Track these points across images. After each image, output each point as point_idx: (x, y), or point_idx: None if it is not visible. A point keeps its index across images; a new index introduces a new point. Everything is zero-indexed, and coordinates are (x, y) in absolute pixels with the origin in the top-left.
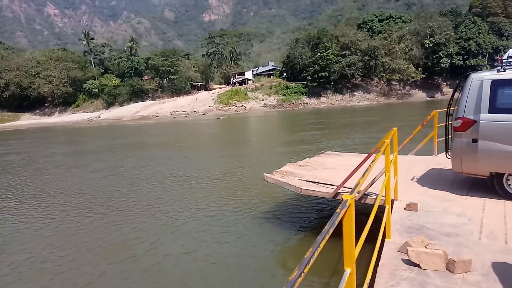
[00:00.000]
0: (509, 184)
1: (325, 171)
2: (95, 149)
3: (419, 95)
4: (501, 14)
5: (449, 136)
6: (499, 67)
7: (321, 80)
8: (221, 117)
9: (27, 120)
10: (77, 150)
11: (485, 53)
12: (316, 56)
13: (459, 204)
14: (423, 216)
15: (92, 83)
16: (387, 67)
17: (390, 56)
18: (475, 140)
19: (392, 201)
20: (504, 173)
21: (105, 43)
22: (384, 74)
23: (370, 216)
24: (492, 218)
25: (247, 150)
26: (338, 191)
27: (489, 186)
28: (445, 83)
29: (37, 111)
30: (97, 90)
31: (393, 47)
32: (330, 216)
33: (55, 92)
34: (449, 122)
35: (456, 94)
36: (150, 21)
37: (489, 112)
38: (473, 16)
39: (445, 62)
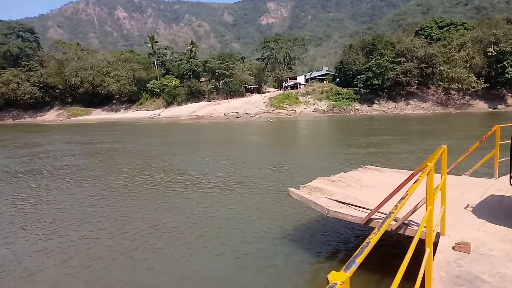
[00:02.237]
0: None
1: (360, 190)
2: (181, 141)
3: (480, 106)
4: None
5: None
6: None
7: (374, 87)
8: (270, 120)
9: (97, 115)
10: (167, 142)
11: None
12: (370, 62)
13: None
14: (477, 261)
15: (154, 83)
16: (445, 75)
17: (449, 64)
18: None
19: (438, 236)
20: None
21: (167, 46)
22: (442, 83)
23: (405, 258)
24: None
25: (321, 149)
26: (371, 216)
27: None
28: (510, 95)
29: (106, 107)
30: (158, 90)
31: (452, 55)
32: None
33: (122, 90)
34: None
35: None
36: (210, 24)
37: None
38: None
39: (510, 72)
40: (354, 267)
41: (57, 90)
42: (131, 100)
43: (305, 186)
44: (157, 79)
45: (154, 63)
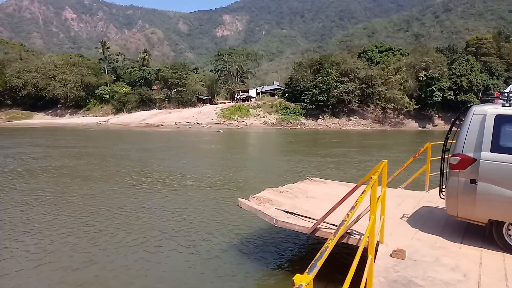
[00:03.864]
0: (510, 235)
1: (307, 201)
2: (151, 148)
3: (412, 125)
4: (494, 55)
5: (444, 171)
6: (504, 102)
7: (319, 103)
8: (221, 130)
9: (40, 119)
10: (139, 148)
11: (475, 90)
12: (317, 80)
13: (452, 253)
14: (411, 266)
15: (104, 89)
16: (382, 96)
17: (386, 86)
18: (473, 181)
19: (377, 244)
20: (505, 222)
21: (119, 52)
22: (380, 102)
23: (352, 265)
24: (491, 276)
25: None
26: (317, 226)
27: (486, 234)
28: (437, 115)
29: (50, 111)
30: (108, 96)
31: (389, 77)
32: (307, 250)
33: (68, 95)
34: (445, 156)
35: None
36: (164, 32)
37: (491, 151)
38: (466, 55)
39: (437, 96)
40: (316, 269)
41: None
42: (78, 105)
43: (254, 197)
44: (107, 85)
45: (104, 68)
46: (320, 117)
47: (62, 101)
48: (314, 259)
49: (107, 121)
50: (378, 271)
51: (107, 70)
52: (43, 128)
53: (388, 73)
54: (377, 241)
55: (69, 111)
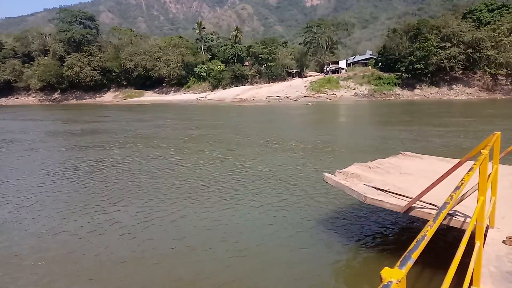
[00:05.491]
0: None
1: (400, 177)
2: (261, 120)
3: None
4: None
5: None
6: None
7: (416, 72)
8: (309, 103)
9: (149, 97)
10: (255, 120)
11: None
12: (414, 47)
13: None
14: None
15: (201, 67)
16: (493, 60)
17: (497, 49)
18: None
19: (487, 228)
20: None
21: (213, 32)
22: (489, 69)
23: (457, 252)
24: None
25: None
26: (412, 205)
27: None
28: None
29: (157, 89)
30: (205, 74)
31: (501, 39)
32: (401, 232)
33: (171, 74)
34: None
35: None
36: (253, 6)
37: None
38: None
39: None
40: (409, 263)
41: (114, 74)
42: (180, 83)
43: (340, 172)
44: (203, 64)
45: (201, 48)
46: (417, 86)
47: (166, 80)
48: (408, 250)
49: (205, 97)
50: (488, 259)
51: (203, 49)
52: (154, 105)
53: (500, 35)
54: (487, 225)
55: (172, 89)
